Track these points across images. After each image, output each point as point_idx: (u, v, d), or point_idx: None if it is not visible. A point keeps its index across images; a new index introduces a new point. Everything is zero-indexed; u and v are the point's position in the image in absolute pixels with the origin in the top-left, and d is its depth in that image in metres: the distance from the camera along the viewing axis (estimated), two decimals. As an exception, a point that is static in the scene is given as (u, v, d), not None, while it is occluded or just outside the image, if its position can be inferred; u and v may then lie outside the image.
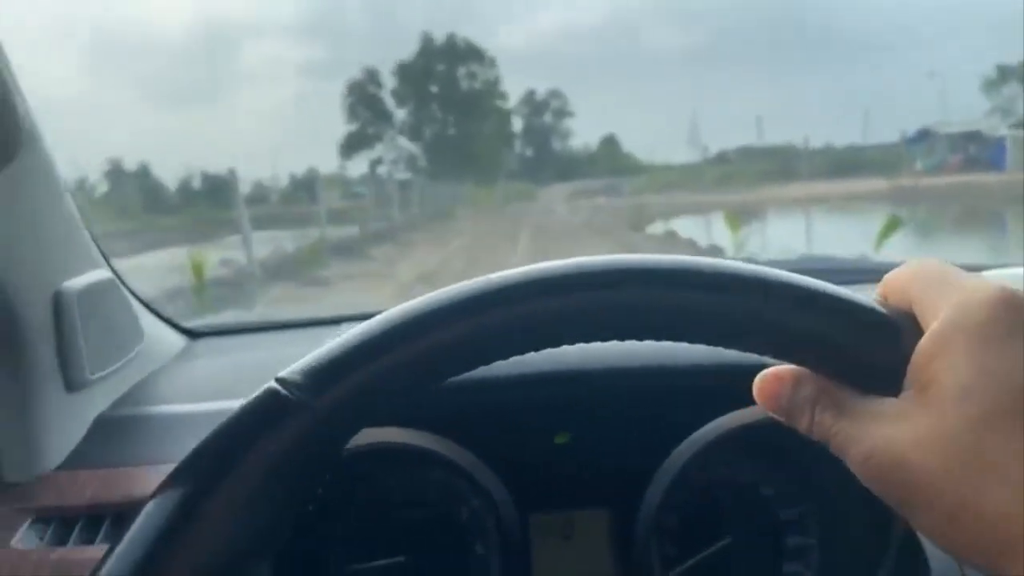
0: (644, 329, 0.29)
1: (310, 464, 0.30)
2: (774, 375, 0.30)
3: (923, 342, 0.26)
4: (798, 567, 0.58)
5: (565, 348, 0.30)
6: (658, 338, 0.29)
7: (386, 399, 0.29)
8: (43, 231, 0.59)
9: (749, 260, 0.31)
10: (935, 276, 0.27)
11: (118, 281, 0.71)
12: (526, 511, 0.57)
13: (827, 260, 1.29)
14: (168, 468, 0.29)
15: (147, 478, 0.57)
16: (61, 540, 0.54)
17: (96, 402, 0.65)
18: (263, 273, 6.13)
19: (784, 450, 0.56)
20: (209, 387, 0.69)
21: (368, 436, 0.53)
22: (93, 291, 0.63)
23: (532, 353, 0.30)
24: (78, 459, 0.60)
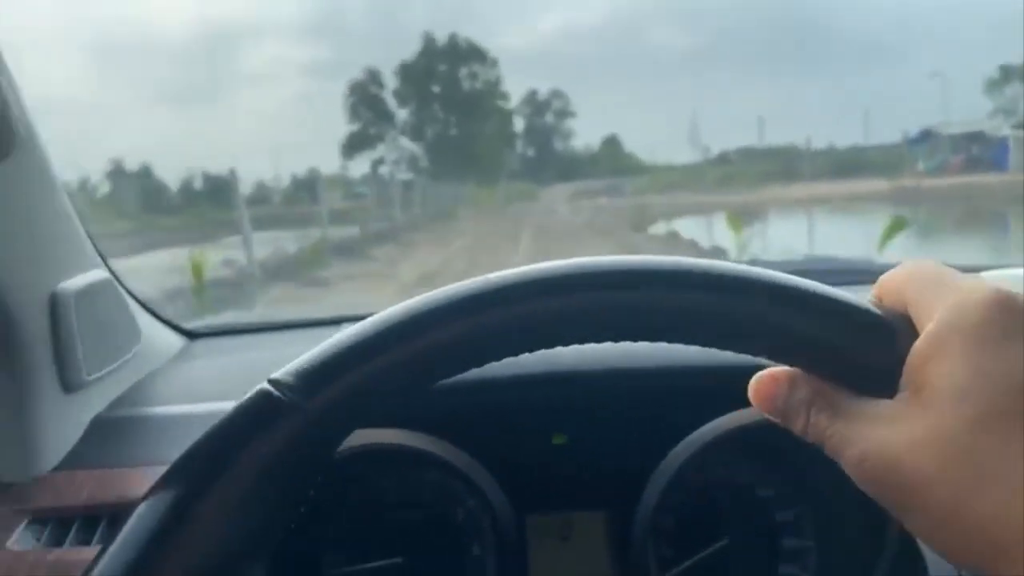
0: (640, 330, 0.29)
1: (303, 465, 0.29)
2: (770, 376, 0.30)
3: (918, 343, 0.26)
4: (794, 569, 0.58)
5: (560, 349, 0.30)
6: (654, 339, 0.29)
7: (379, 400, 0.29)
8: (39, 231, 0.59)
9: (752, 261, 0.31)
10: (930, 277, 0.27)
11: (115, 281, 0.71)
12: (523, 512, 0.57)
13: (831, 261, 1.29)
14: (165, 469, 0.29)
15: (144, 479, 0.57)
16: (58, 541, 0.54)
17: (93, 403, 0.65)
18: (264, 273, 6.14)
19: (780, 451, 0.56)
20: (207, 388, 0.69)
21: (363, 437, 0.53)
22: (90, 292, 0.63)
23: (527, 354, 0.29)
24: (75, 460, 0.60)
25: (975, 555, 0.23)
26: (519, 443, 0.57)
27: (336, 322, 0.91)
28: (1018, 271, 0.72)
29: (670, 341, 0.29)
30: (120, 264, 0.75)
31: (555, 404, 0.58)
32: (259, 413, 0.28)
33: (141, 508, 0.28)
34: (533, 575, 0.57)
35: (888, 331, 0.27)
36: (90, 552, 0.52)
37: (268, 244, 7.82)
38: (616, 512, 0.57)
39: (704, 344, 0.29)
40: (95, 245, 0.70)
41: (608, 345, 0.30)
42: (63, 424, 0.61)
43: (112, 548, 0.27)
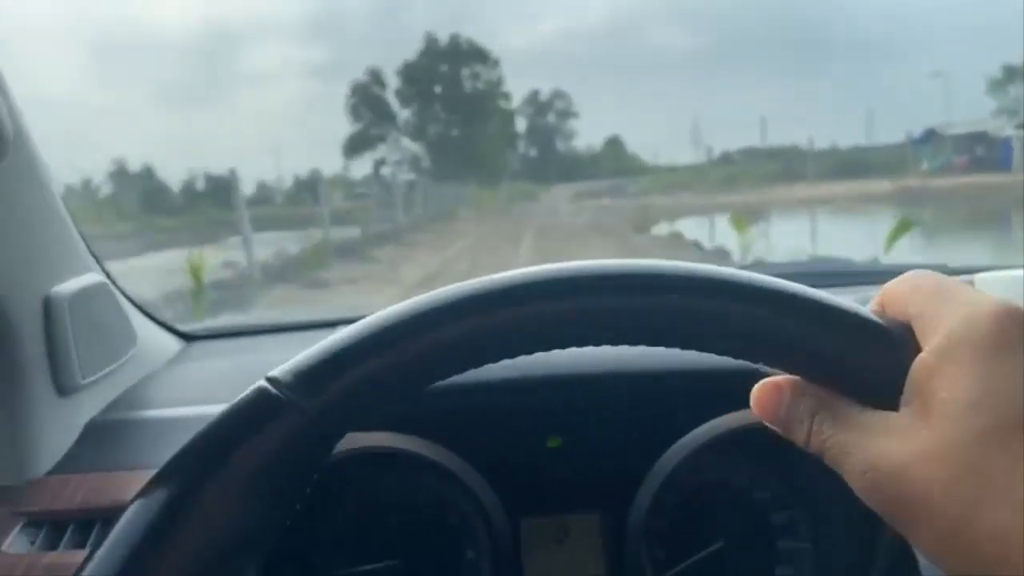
0: (640, 334, 0.29)
1: (299, 464, 0.29)
2: (773, 385, 0.30)
3: (924, 356, 0.26)
4: (790, 570, 0.57)
5: (555, 351, 0.29)
6: (655, 344, 0.29)
7: (378, 400, 0.29)
8: (33, 235, 0.59)
9: (757, 263, 0.31)
10: (935, 290, 0.27)
11: (110, 284, 0.71)
12: (517, 515, 0.57)
13: (836, 263, 1.28)
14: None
15: (138, 483, 0.55)
16: (52, 544, 0.54)
17: (88, 406, 0.65)
18: (265, 275, 6.15)
19: (775, 454, 0.55)
20: (203, 391, 0.69)
21: (356, 440, 0.52)
22: (84, 295, 0.63)
23: (522, 357, 0.29)
24: (70, 463, 0.60)
25: (980, 570, 0.23)
26: (513, 446, 0.57)
27: (333, 324, 0.91)
28: (1018, 272, 0.71)
29: (671, 346, 0.29)
30: (122, 265, 0.75)
31: (549, 407, 0.58)
32: (257, 411, 0.28)
33: (134, 506, 0.28)
34: None
35: (891, 342, 0.27)
36: (84, 556, 0.52)
37: (270, 245, 7.83)
38: (611, 515, 0.57)
39: (705, 350, 0.29)
40: (89, 248, 0.70)
41: (602, 348, 0.29)
42: (58, 427, 0.61)
43: (104, 545, 0.27)
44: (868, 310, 0.29)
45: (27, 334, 0.57)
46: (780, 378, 0.30)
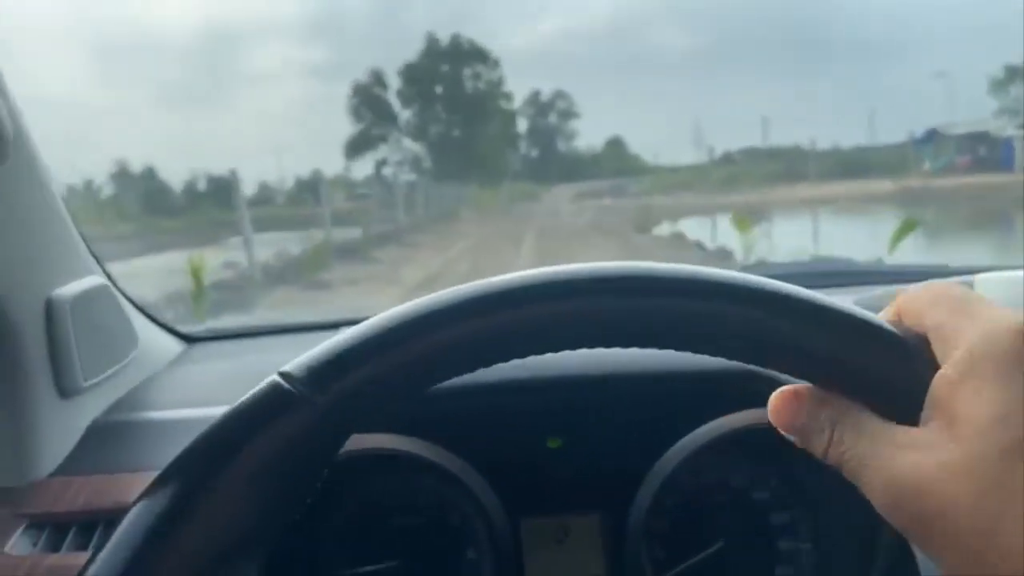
0: (661, 338, 0.29)
1: (309, 461, 0.29)
2: (792, 393, 0.29)
3: (946, 370, 0.25)
4: (790, 571, 0.57)
5: (554, 353, 0.29)
6: (670, 348, 0.29)
7: (389, 397, 0.29)
8: (34, 237, 0.59)
9: (759, 263, 0.30)
10: (955, 303, 0.27)
11: (112, 286, 0.71)
12: (518, 516, 0.57)
13: (839, 263, 1.28)
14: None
15: (141, 485, 0.56)
16: (54, 546, 0.55)
17: (90, 408, 0.65)
18: (266, 276, 6.14)
19: (775, 454, 0.55)
20: (204, 393, 0.69)
21: (358, 441, 0.53)
22: (86, 297, 0.63)
23: (521, 358, 0.29)
24: (72, 465, 0.60)
25: None
26: (513, 447, 0.57)
27: (334, 326, 0.91)
28: (1019, 273, 0.71)
29: (688, 351, 0.29)
30: (124, 267, 0.75)
31: (549, 408, 0.58)
32: (269, 405, 0.28)
33: (139, 504, 0.28)
34: None
35: (908, 353, 0.27)
36: (86, 558, 0.52)
37: (271, 245, 7.83)
38: (611, 515, 0.57)
39: (721, 356, 0.29)
40: (91, 250, 0.70)
41: (603, 349, 0.30)
42: (60, 429, 0.61)
43: (108, 546, 0.27)
44: (882, 318, 0.28)
45: (29, 336, 0.57)
46: (799, 386, 0.29)
